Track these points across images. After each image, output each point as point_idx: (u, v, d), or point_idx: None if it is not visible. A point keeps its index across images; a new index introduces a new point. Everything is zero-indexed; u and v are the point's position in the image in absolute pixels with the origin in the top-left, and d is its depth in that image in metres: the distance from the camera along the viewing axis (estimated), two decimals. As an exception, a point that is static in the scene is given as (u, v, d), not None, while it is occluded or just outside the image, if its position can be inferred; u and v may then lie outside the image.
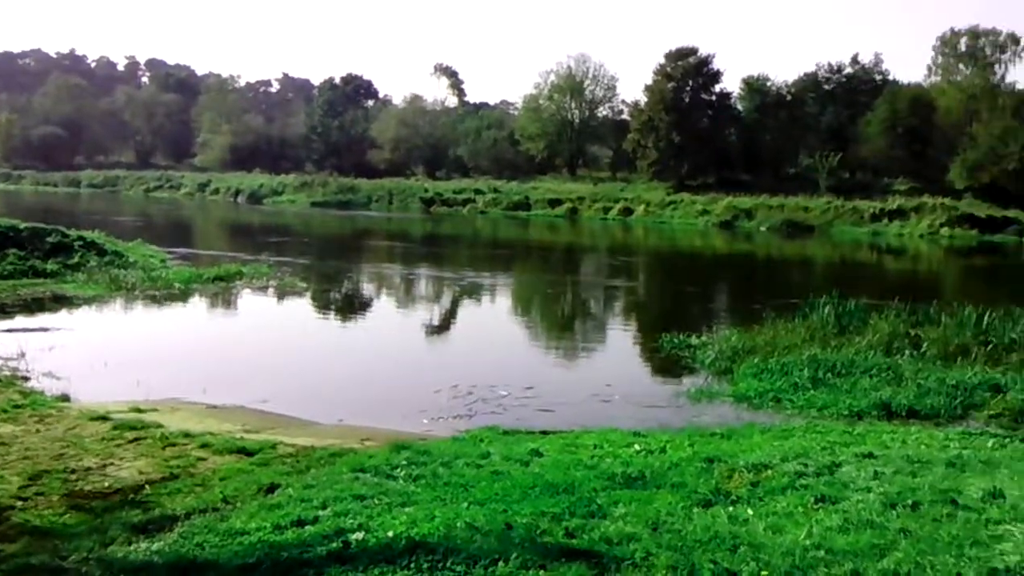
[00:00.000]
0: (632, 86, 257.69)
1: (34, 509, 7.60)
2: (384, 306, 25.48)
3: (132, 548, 6.57)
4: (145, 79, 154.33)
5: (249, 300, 23.55)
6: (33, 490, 8.08)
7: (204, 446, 9.73)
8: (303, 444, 10.05)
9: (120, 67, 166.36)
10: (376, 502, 7.41)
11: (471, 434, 10.63)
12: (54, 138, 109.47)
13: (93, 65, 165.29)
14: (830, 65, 75.51)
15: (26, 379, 13.16)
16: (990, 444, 9.94)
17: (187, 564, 6.21)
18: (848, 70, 75.29)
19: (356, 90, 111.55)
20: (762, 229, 57.65)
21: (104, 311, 20.52)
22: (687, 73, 73.37)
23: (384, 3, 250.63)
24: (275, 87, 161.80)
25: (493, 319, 23.27)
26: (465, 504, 7.29)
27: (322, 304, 24.46)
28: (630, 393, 13.68)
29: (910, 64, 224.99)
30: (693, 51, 74.50)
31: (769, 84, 75.50)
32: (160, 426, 10.55)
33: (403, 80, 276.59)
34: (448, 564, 5.94)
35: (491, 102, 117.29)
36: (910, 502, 7.18)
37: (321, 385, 14.07)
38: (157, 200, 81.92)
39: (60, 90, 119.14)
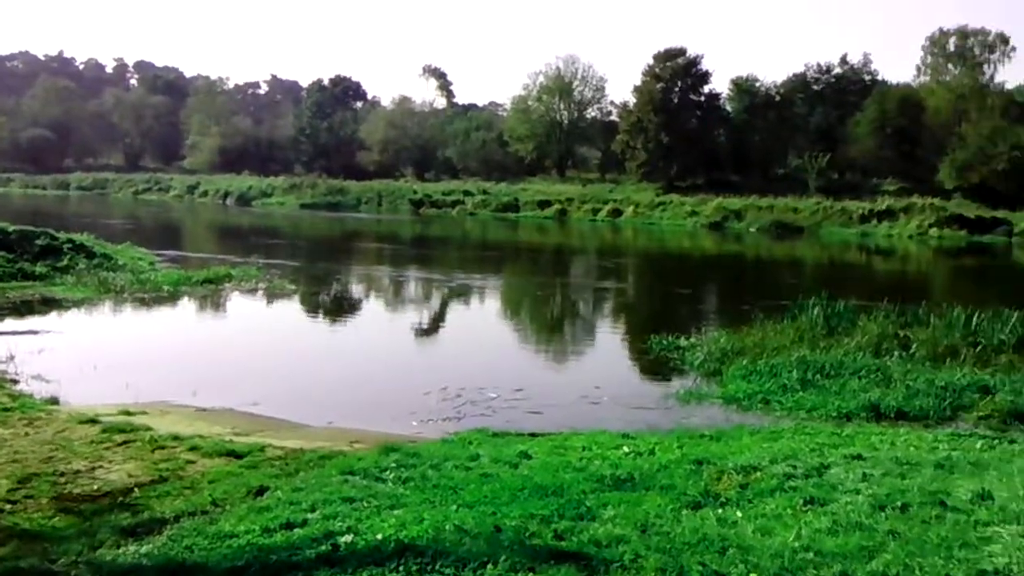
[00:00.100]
0: (621, 87, 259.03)
1: (23, 512, 7.58)
2: (373, 308, 25.44)
3: (121, 551, 6.56)
4: (133, 81, 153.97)
5: (238, 303, 23.48)
6: (22, 493, 8.06)
7: (193, 449, 9.71)
8: (292, 447, 10.03)
9: (108, 69, 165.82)
10: (365, 504, 7.40)
11: (460, 436, 10.62)
12: (43, 140, 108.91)
13: (81, 67, 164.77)
14: (819, 65, 76.08)
15: (15, 382, 13.12)
16: (979, 446, 9.96)
17: (176, 567, 6.21)
18: (837, 70, 75.71)
19: (344, 92, 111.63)
20: (751, 230, 57.77)
21: (93, 314, 20.46)
22: (676, 74, 73.56)
23: (372, 5, 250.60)
24: (263, 89, 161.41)
25: (482, 321, 23.27)
26: (454, 506, 7.30)
27: (311, 306, 24.42)
28: (619, 395, 13.69)
29: (899, 64, 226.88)
30: (681, 52, 74.70)
31: (758, 85, 75.82)
32: (149, 429, 10.52)
33: (392, 82, 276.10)
34: (437, 567, 5.94)
35: (480, 103, 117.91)
36: (899, 504, 7.20)
37: (311, 387, 14.03)
38: (146, 202, 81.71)
39: (48, 92, 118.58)
